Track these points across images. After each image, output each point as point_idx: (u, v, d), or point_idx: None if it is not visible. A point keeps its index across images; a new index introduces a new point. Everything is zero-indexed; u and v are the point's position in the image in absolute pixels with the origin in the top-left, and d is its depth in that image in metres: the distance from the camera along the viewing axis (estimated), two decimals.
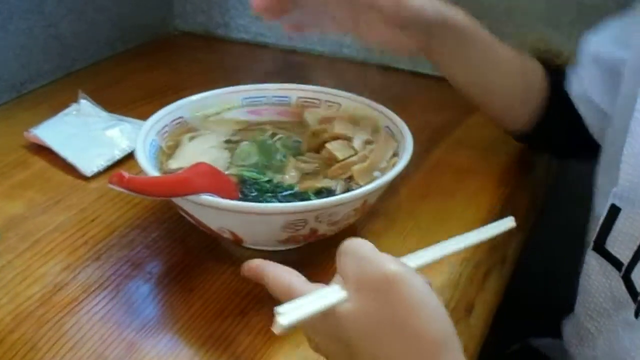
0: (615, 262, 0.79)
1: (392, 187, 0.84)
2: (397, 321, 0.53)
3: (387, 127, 0.89)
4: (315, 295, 0.55)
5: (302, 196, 0.80)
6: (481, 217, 0.94)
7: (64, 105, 1.14)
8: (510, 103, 1.01)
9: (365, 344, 0.54)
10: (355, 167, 0.82)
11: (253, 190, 0.81)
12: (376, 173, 0.83)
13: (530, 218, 1.09)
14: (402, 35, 0.86)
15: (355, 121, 0.93)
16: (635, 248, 0.75)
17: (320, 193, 0.81)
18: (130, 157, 1.03)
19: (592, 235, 0.83)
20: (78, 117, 1.11)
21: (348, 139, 0.87)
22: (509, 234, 0.87)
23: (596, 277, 0.83)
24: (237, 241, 0.78)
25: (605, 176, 0.87)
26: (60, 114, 1.12)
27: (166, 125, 0.90)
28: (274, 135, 0.93)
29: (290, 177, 0.83)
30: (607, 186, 0.80)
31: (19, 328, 0.72)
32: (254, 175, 0.83)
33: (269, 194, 0.80)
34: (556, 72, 1.01)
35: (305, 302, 0.54)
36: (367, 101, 0.95)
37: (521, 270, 1.05)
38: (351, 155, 0.85)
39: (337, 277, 0.57)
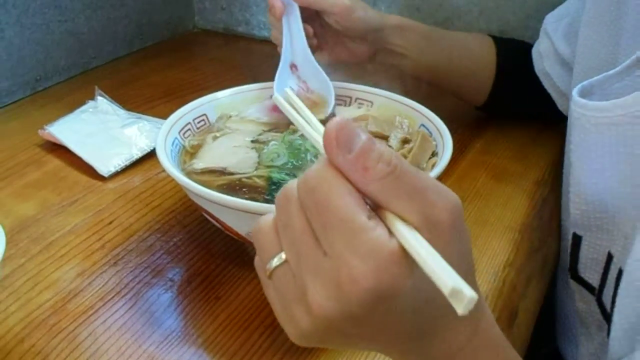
0: (589, 287, 0.81)
1: None
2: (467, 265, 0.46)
3: (424, 125, 0.84)
4: (426, 248, 0.41)
5: None
6: (519, 220, 0.91)
7: (81, 102, 1.12)
8: (464, 78, 1.12)
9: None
10: None
11: None
12: None
13: None
14: (358, 45, 1.02)
15: (389, 119, 0.88)
16: (601, 271, 0.77)
17: None
18: (148, 156, 1.00)
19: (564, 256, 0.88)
20: (95, 114, 1.08)
21: (384, 138, 0.82)
22: (546, 235, 0.84)
23: (578, 303, 0.84)
24: None
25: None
26: (77, 112, 1.09)
27: (188, 123, 0.85)
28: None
29: None
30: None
31: (29, 338, 0.69)
32: (284, 177, 0.78)
33: None
34: (505, 41, 1.13)
35: (427, 258, 0.40)
36: (402, 98, 0.90)
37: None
38: None
39: (390, 216, 0.43)
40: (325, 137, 0.43)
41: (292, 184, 0.46)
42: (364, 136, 0.42)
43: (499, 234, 0.87)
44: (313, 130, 0.59)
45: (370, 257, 0.41)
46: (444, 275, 0.38)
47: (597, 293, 0.79)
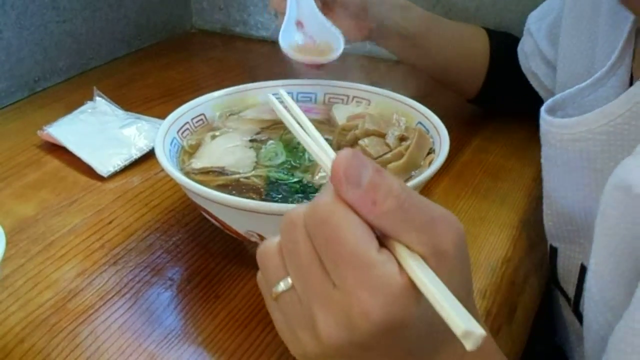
0: (567, 298, 0.82)
1: (424, 187, 0.79)
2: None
3: (421, 122, 0.85)
4: (437, 286, 0.43)
5: None
6: (517, 217, 0.91)
7: (79, 103, 1.12)
8: (458, 68, 1.12)
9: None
10: (391, 165, 0.77)
11: (281, 192, 0.76)
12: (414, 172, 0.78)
13: None
14: (359, 19, 1.00)
15: (386, 117, 0.88)
16: (576, 283, 0.78)
17: None
18: (148, 156, 1.00)
19: None
20: (93, 115, 1.08)
21: (382, 136, 0.83)
22: (543, 232, 0.84)
23: (563, 310, 0.85)
24: None
25: None
26: (75, 112, 1.09)
27: (187, 123, 0.86)
28: None
29: (320, 177, 0.78)
30: None
31: (30, 337, 0.69)
32: (282, 176, 0.78)
33: (299, 195, 0.75)
34: (499, 35, 1.14)
35: (439, 297, 0.42)
36: (398, 96, 0.90)
37: None
38: (386, 153, 0.80)
39: (400, 247, 0.44)
40: (333, 172, 0.43)
41: (296, 211, 0.46)
42: (372, 169, 0.43)
43: (496, 230, 0.87)
44: (307, 135, 0.60)
45: (381, 292, 0.42)
46: (456, 317, 0.40)
47: (572, 304, 0.80)
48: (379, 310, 0.42)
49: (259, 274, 0.51)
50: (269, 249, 0.49)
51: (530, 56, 1.03)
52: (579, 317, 0.77)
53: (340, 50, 0.91)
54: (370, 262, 0.43)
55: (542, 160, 0.76)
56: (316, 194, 0.48)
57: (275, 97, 0.73)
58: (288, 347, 0.50)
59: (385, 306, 0.42)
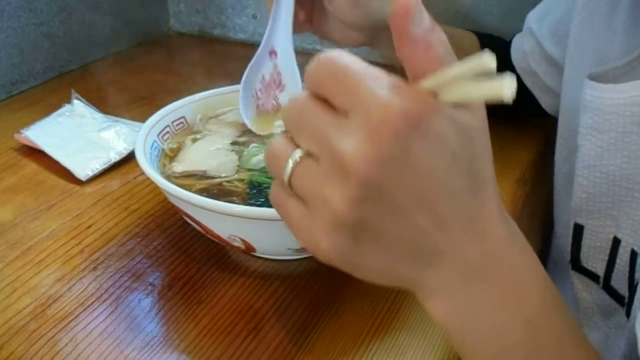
0: (593, 276, 0.82)
1: None
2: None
3: None
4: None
5: None
6: None
7: (57, 106, 1.10)
8: None
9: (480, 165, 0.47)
10: None
11: (264, 195, 0.75)
12: None
13: (551, 216, 1.05)
14: (352, 31, 0.93)
15: None
16: (606, 259, 0.78)
17: None
18: (127, 160, 0.99)
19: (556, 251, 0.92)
20: (71, 118, 1.07)
21: None
22: (528, 232, 0.84)
23: (581, 294, 0.85)
24: (249, 250, 0.72)
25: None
26: (53, 115, 1.07)
27: (167, 126, 0.85)
28: None
29: None
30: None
31: (8, 345, 0.68)
32: (265, 179, 0.77)
33: None
34: (487, 37, 1.13)
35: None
36: None
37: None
38: None
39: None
40: (398, 7, 0.43)
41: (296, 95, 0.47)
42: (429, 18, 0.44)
43: None
44: None
45: (395, 91, 0.42)
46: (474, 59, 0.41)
47: (602, 281, 0.80)
48: (396, 106, 0.41)
49: (272, 186, 0.50)
50: (274, 142, 0.48)
51: (529, 54, 1.03)
52: (610, 292, 0.79)
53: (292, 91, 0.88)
54: (382, 74, 0.43)
55: (583, 130, 0.76)
56: None
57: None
58: (310, 244, 0.47)
59: (403, 102, 0.41)
